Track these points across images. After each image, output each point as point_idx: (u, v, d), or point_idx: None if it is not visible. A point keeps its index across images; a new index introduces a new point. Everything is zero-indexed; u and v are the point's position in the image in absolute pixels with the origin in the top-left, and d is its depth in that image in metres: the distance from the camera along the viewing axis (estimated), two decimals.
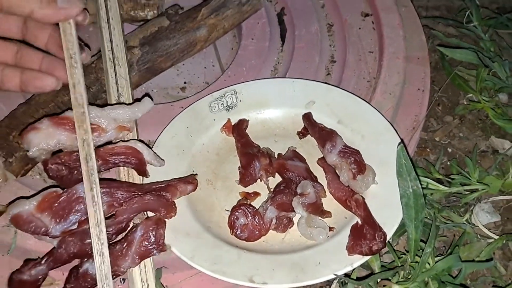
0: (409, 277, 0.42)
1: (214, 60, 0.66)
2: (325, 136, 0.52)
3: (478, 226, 0.52)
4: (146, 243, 0.43)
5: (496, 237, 0.51)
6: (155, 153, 0.50)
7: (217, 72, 0.65)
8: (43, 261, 0.43)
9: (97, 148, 0.47)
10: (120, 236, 0.46)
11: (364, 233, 0.44)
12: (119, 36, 0.57)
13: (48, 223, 0.43)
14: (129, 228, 0.46)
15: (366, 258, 0.43)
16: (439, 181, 0.55)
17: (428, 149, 0.60)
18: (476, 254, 0.51)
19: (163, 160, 0.50)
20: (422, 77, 0.61)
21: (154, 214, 0.46)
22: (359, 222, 0.45)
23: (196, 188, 0.49)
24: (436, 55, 0.69)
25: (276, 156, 0.54)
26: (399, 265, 0.44)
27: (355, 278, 0.45)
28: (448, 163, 0.59)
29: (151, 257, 0.45)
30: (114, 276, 0.42)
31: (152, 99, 0.51)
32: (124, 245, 0.43)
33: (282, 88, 0.57)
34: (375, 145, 0.51)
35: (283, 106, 0.57)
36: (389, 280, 0.43)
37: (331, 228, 0.47)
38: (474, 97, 0.64)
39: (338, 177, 0.49)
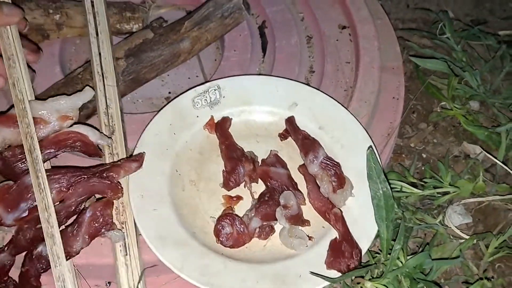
0: (382, 274, 0.45)
1: (198, 71, 0.68)
2: (308, 145, 0.53)
3: (450, 227, 0.55)
4: (95, 223, 0.46)
5: (467, 237, 0.54)
6: (101, 133, 0.52)
7: (201, 83, 0.67)
8: (6, 249, 0.47)
9: (42, 140, 0.50)
10: (72, 220, 0.48)
11: (343, 250, 0.46)
12: (107, 49, 0.58)
13: (1, 213, 0.46)
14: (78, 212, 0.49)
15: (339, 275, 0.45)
16: (413, 185, 0.57)
17: (403, 155, 0.63)
18: (448, 254, 0.53)
19: (110, 138, 0.52)
20: (397, 86, 0.64)
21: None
22: (338, 237, 0.47)
23: (142, 165, 0.50)
24: (411, 65, 0.72)
25: (259, 161, 0.55)
26: (373, 263, 0.46)
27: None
28: (423, 168, 0.61)
29: (138, 261, 0.47)
30: (68, 257, 0.45)
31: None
32: (75, 227, 0.46)
33: (265, 87, 0.58)
34: (353, 155, 0.52)
35: (266, 105, 0.57)
36: (363, 277, 0.45)
37: (310, 238, 0.49)
38: (447, 104, 0.67)
39: (318, 187, 0.51)
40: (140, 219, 0.47)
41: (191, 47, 0.62)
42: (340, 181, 0.50)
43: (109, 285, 0.47)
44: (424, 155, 0.63)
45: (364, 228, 0.47)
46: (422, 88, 0.67)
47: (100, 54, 0.58)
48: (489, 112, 0.67)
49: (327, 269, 0.45)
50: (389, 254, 0.45)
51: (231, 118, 0.57)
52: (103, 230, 0.46)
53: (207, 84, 0.58)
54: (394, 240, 0.45)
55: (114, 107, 0.55)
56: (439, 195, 0.56)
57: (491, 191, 0.58)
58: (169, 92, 0.66)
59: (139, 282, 0.46)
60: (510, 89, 0.69)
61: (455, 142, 0.65)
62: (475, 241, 0.53)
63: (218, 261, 0.46)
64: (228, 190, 0.52)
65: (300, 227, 0.49)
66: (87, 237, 0.46)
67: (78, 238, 0.45)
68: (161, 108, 0.56)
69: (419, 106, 0.68)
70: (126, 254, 0.48)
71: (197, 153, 0.55)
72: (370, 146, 0.51)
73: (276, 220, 0.48)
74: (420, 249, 0.53)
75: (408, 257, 0.46)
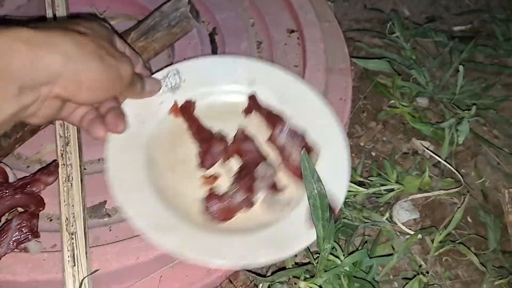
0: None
1: None
2: (273, 119, 0.56)
3: (397, 224, 0.56)
4: (22, 230, 0.47)
5: (413, 233, 0.55)
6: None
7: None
8: None
9: None
10: None
11: None
12: None
13: None
14: (2, 222, 0.49)
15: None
16: (361, 183, 0.58)
17: (353, 154, 0.64)
18: (395, 250, 0.54)
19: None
20: (344, 86, 0.64)
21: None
22: None
23: (57, 177, 0.51)
24: (362, 66, 0.73)
25: (228, 139, 0.56)
26: (314, 263, 0.47)
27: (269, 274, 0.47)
28: (371, 164, 0.62)
29: (87, 272, 0.47)
30: None
31: None
32: (1, 234, 0.47)
33: (224, 66, 0.59)
34: (312, 124, 0.55)
35: (226, 84, 0.59)
36: (299, 278, 0.46)
37: (290, 200, 0.51)
38: (396, 103, 0.68)
39: (288, 155, 0.54)
40: (130, 212, 0.48)
41: None
42: (308, 148, 0.53)
43: None
44: (373, 154, 0.65)
45: (336, 185, 0.50)
46: (371, 88, 0.69)
47: None
48: (438, 108, 0.69)
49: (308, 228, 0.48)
50: (332, 254, 0.46)
51: (195, 101, 0.58)
52: (29, 237, 0.47)
53: (166, 69, 0.58)
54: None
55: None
56: (385, 192, 0.57)
57: (437, 186, 0.60)
58: None
59: None
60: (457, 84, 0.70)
61: (404, 139, 0.66)
62: (420, 236, 0.55)
63: (213, 237, 0.48)
64: (206, 170, 0.54)
65: (280, 193, 0.52)
66: (12, 243, 0.47)
67: (2, 245, 0.46)
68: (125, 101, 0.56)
69: (368, 105, 0.70)
70: (74, 265, 0.48)
71: (168, 139, 0.56)
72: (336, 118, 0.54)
73: (256, 191, 0.51)
74: (365, 247, 0.54)
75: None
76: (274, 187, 0.52)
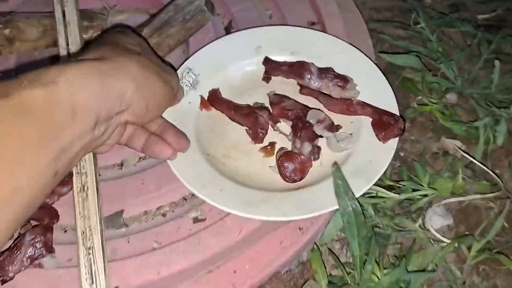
0: None
1: None
2: (298, 68, 0.56)
3: (430, 231, 0.53)
4: (36, 246, 0.45)
5: (449, 241, 0.52)
6: None
7: None
8: None
9: None
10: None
11: (386, 122, 0.50)
12: None
13: None
14: (15, 237, 0.47)
15: (397, 139, 0.51)
16: (390, 187, 0.55)
17: None
18: (429, 260, 0.51)
19: None
20: None
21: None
22: (373, 117, 0.52)
23: (71, 187, 0.49)
24: (386, 59, 0.69)
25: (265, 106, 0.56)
26: (349, 281, 0.44)
27: None
28: (401, 167, 0.59)
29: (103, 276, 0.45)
30: (1, 282, 0.44)
31: None
32: (13, 251, 0.45)
33: (227, 46, 0.59)
34: (333, 59, 0.56)
35: (236, 61, 0.59)
36: None
37: (351, 134, 0.52)
38: (423, 99, 0.64)
39: (328, 95, 0.54)
40: (221, 204, 0.48)
41: None
42: (343, 78, 0.54)
43: None
44: (402, 154, 0.61)
45: (383, 103, 0.53)
46: (397, 83, 0.65)
47: None
48: (467, 104, 0.65)
49: (384, 143, 0.50)
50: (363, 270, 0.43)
51: (218, 88, 0.57)
52: (44, 253, 0.45)
53: (178, 71, 0.58)
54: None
55: None
56: (418, 197, 0.54)
57: (471, 189, 0.56)
58: None
59: None
60: (488, 78, 0.66)
61: (434, 138, 0.62)
62: (457, 244, 0.51)
63: (305, 194, 0.48)
64: (261, 142, 0.54)
65: (339, 130, 0.53)
66: (26, 260, 0.45)
67: (16, 262, 0.44)
68: None
69: None
70: (92, 283, 0.45)
71: (211, 132, 0.55)
72: (356, 48, 0.56)
73: (318, 138, 0.52)
74: (400, 256, 0.51)
75: (385, 271, 0.44)
76: (332, 127, 0.53)
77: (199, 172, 0.50)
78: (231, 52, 0.59)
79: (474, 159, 0.57)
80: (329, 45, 0.58)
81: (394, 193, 0.54)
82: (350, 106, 0.53)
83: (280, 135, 0.54)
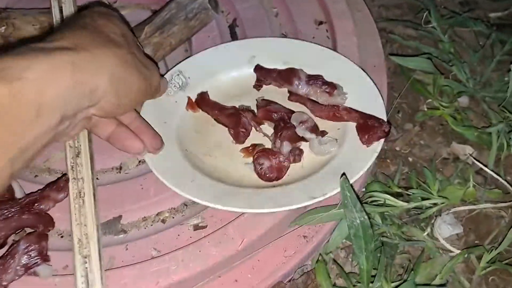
0: None
1: None
2: (287, 75, 0.56)
3: (439, 240, 0.51)
4: (31, 254, 0.44)
5: (458, 251, 0.50)
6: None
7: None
8: None
9: None
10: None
11: (370, 125, 0.50)
12: None
13: None
14: (9, 245, 0.45)
15: (382, 142, 0.50)
16: (399, 194, 0.53)
17: (388, 160, 0.59)
18: (438, 270, 0.49)
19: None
20: (379, 85, 0.58)
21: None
22: (359, 121, 0.51)
23: (67, 194, 0.48)
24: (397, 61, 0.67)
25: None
26: None
27: None
28: (409, 173, 0.57)
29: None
30: None
31: None
32: (7, 259, 0.43)
33: (220, 54, 0.59)
34: (325, 69, 0.56)
35: (229, 69, 0.59)
36: None
37: (335, 139, 0.52)
38: (434, 102, 0.62)
39: (316, 102, 0.54)
40: (190, 193, 0.47)
41: (153, 55, 0.57)
42: (330, 85, 0.54)
43: None
44: (410, 159, 0.59)
45: (372, 109, 0.52)
46: (407, 85, 0.63)
47: None
48: (479, 108, 0.63)
49: (367, 146, 0.50)
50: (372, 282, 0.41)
51: (206, 91, 0.57)
52: (38, 262, 0.44)
53: (169, 73, 0.57)
54: (376, 268, 0.41)
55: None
56: (428, 205, 0.52)
57: (482, 197, 0.54)
58: None
59: None
60: (501, 81, 0.64)
61: (444, 143, 0.60)
62: (466, 255, 0.49)
63: (275, 190, 0.48)
64: (242, 143, 0.53)
65: (323, 134, 0.53)
66: (20, 269, 0.43)
67: (9, 271, 0.43)
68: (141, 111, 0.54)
69: (404, 104, 0.64)
70: None
71: (194, 132, 0.55)
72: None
73: (301, 140, 0.51)
74: (408, 266, 0.49)
75: (392, 284, 0.42)
76: (316, 130, 0.52)
77: (173, 164, 0.50)
78: (224, 60, 0.59)
79: (486, 166, 0.55)
80: (321, 55, 0.58)
81: (403, 200, 0.52)
82: (337, 112, 0.53)
83: (263, 138, 0.54)
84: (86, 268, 0.43)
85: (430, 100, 0.63)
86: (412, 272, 0.44)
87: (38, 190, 0.48)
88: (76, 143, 0.49)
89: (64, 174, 0.49)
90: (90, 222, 0.45)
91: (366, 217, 0.42)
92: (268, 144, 0.53)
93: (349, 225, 0.42)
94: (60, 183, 0.47)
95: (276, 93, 0.57)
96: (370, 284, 0.41)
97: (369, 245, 0.40)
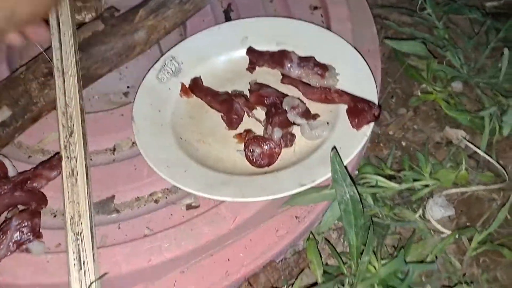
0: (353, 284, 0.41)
1: None
2: (279, 57, 0.56)
3: (431, 222, 0.51)
4: (23, 231, 0.44)
5: (449, 232, 0.50)
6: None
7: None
8: None
9: None
10: None
11: (360, 108, 0.50)
12: (69, 42, 0.54)
13: None
14: (1, 222, 0.46)
15: (372, 126, 0.50)
16: (391, 177, 0.53)
17: (381, 144, 0.59)
18: (429, 251, 0.49)
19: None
20: (373, 70, 0.58)
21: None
22: (349, 105, 0.51)
23: (60, 172, 0.48)
24: (390, 46, 0.67)
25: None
26: (345, 272, 0.42)
27: None
28: (402, 157, 0.57)
29: (94, 276, 0.43)
30: None
31: None
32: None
33: (213, 37, 0.59)
34: (318, 49, 0.56)
35: (222, 52, 0.59)
36: None
37: (327, 122, 0.52)
38: (428, 87, 0.62)
39: (308, 84, 0.54)
40: (183, 183, 0.47)
41: (147, 38, 0.57)
42: (322, 67, 0.54)
43: None
44: (403, 143, 0.59)
45: (364, 91, 0.52)
46: (401, 71, 0.63)
47: (60, 47, 0.53)
48: (473, 93, 0.63)
49: (357, 130, 0.50)
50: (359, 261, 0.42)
51: (200, 76, 0.57)
52: (31, 238, 0.44)
53: (161, 58, 0.58)
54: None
55: (74, 107, 0.51)
56: (420, 187, 0.52)
57: (475, 180, 0.54)
58: (128, 87, 0.61)
59: None
60: (495, 67, 0.64)
61: (437, 127, 0.60)
62: (457, 236, 0.50)
63: (268, 176, 0.48)
64: (235, 129, 0.54)
65: (315, 118, 0.53)
66: (13, 244, 0.44)
67: (1, 247, 0.43)
68: (135, 97, 0.55)
69: (398, 89, 0.64)
70: (81, 269, 0.44)
71: (188, 118, 0.55)
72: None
73: (291, 125, 0.51)
74: (399, 246, 0.49)
75: (383, 261, 0.43)
76: (307, 114, 0.52)
77: (166, 153, 0.50)
78: (217, 43, 0.59)
79: (479, 149, 0.55)
80: (314, 35, 0.58)
81: (395, 183, 0.52)
82: (328, 94, 0.53)
83: (256, 123, 0.54)
84: (78, 245, 0.44)
85: (424, 85, 0.63)
86: (402, 249, 0.45)
87: (31, 169, 0.48)
88: (69, 122, 0.49)
89: (57, 153, 0.49)
90: (82, 200, 0.46)
91: (355, 191, 0.42)
92: (260, 129, 0.53)
93: (339, 200, 0.42)
94: (52, 162, 0.47)
95: (269, 75, 0.57)
96: (359, 261, 0.42)
97: (359, 220, 0.41)
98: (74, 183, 0.46)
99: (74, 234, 0.45)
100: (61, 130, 0.49)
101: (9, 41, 0.46)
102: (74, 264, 0.44)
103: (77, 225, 0.45)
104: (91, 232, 0.45)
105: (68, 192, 0.46)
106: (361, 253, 0.41)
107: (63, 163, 0.48)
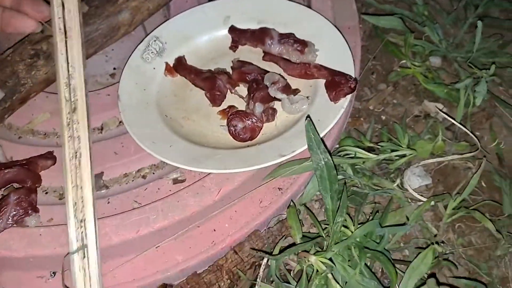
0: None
1: None
2: (260, 35, 0.58)
3: (409, 191, 0.53)
4: (21, 205, 0.46)
5: (425, 199, 0.53)
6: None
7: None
8: None
9: None
10: None
11: (337, 81, 0.52)
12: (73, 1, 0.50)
13: None
14: None
15: (349, 98, 0.51)
16: (370, 149, 0.55)
17: (361, 118, 0.61)
18: (406, 217, 0.52)
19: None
20: (353, 46, 0.60)
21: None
22: (327, 79, 0.53)
23: (55, 162, 0.50)
24: (371, 23, 0.68)
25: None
26: (324, 235, 0.45)
27: (277, 252, 0.45)
28: (382, 129, 0.59)
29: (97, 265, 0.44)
30: None
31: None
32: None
33: (196, 17, 0.61)
34: (298, 26, 0.58)
35: (205, 31, 0.61)
36: (308, 252, 0.43)
37: (307, 97, 0.53)
38: (407, 63, 0.64)
39: (289, 60, 0.56)
40: (168, 157, 0.49)
41: (131, 19, 0.58)
42: (301, 43, 0.56)
43: (54, 276, 0.45)
44: (383, 117, 0.61)
45: (342, 65, 0.54)
46: (381, 47, 0.64)
47: (63, 5, 0.49)
48: (451, 68, 0.65)
49: (335, 103, 0.51)
50: (343, 225, 0.44)
51: (183, 55, 0.59)
52: (29, 212, 0.46)
53: (146, 39, 0.59)
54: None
55: (77, 77, 0.47)
56: (396, 158, 0.55)
57: (451, 150, 0.57)
58: (114, 68, 0.62)
59: None
60: (473, 42, 0.66)
61: (416, 101, 0.62)
62: (433, 203, 0.52)
63: (251, 149, 0.50)
64: (219, 105, 0.55)
65: (296, 92, 0.54)
66: (11, 219, 0.45)
67: (1, 220, 0.45)
68: (121, 76, 0.57)
69: (378, 66, 0.66)
70: (84, 257, 0.43)
71: (173, 96, 0.57)
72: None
73: (273, 100, 0.53)
74: (376, 212, 0.52)
75: (360, 226, 0.45)
76: (288, 89, 0.54)
77: (152, 130, 0.52)
78: (200, 22, 0.60)
79: (455, 120, 0.57)
80: (295, 13, 0.59)
81: (374, 154, 0.54)
82: (308, 70, 0.54)
83: (239, 100, 0.56)
84: (82, 232, 0.44)
85: (403, 61, 0.64)
86: (378, 213, 0.47)
87: (24, 160, 0.50)
88: (73, 96, 0.47)
89: (49, 152, 0.51)
90: (86, 184, 0.44)
91: (330, 158, 0.44)
92: (243, 105, 0.55)
93: (315, 167, 0.44)
94: (46, 154, 0.50)
95: (251, 53, 0.59)
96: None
97: (334, 185, 0.43)
98: (77, 165, 0.45)
99: (78, 221, 0.44)
100: (64, 105, 0.46)
101: (22, 28, 0.46)
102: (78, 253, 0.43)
103: (81, 212, 0.44)
104: (94, 218, 0.44)
105: (71, 175, 0.44)
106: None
107: (65, 143, 0.45)
